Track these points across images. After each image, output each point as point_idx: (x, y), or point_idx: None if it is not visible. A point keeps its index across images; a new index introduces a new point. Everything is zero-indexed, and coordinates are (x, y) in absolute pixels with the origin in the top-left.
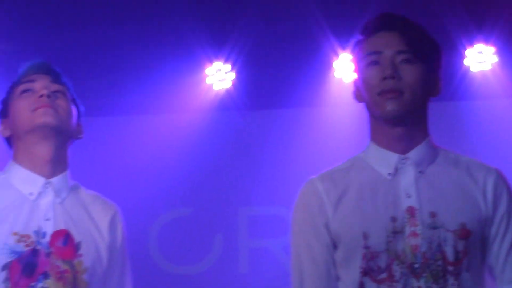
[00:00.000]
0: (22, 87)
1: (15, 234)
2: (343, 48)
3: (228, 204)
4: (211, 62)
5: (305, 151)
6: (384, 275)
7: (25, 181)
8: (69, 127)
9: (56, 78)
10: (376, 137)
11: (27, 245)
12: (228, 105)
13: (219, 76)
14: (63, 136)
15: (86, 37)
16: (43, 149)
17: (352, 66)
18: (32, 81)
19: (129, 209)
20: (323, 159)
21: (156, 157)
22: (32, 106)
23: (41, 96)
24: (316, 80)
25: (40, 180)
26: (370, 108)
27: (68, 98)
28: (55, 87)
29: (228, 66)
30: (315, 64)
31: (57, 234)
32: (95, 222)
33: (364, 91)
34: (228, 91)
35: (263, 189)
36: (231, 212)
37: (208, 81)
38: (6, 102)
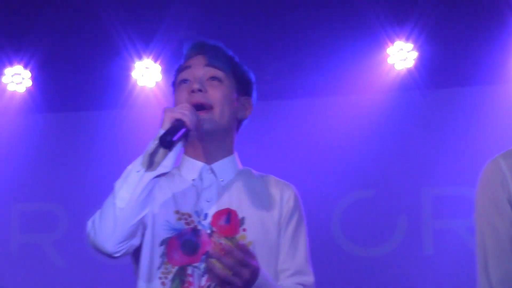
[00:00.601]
0: (180, 76)
1: (177, 212)
2: None
3: (411, 185)
4: (392, 41)
5: (489, 129)
6: None
7: (189, 168)
8: (226, 116)
9: (212, 59)
10: None
11: (187, 223)
12: (409, 85)
13: (400, 55)
14: (220, 130)
15: (268, 20)
16: (202, 144)
17: None
18: (188, 67)
19: (312, 192)
20: (509, 137)
21: (338, 138)
22: (187, 102)
23: (193, 91)
24: (501, 57)
25: (202, 166)
26: None
27: (225, 82)
28: (210, 72)
29: (410, 45)
30: (500, 40)
31: (219, 213)
32: (262, 199)
33: None
34: (409, 70)
35: (446, 169)
36: (414, 193)
37: (389, 61)
38: (174, 85)
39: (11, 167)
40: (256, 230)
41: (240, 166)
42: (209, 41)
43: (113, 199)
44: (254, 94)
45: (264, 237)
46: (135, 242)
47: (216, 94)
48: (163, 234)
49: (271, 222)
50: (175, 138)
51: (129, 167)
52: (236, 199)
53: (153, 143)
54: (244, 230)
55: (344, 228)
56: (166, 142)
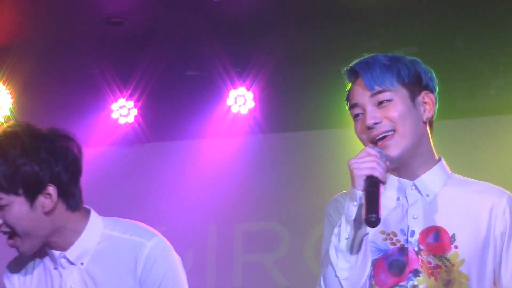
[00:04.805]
0: (351, 112)
1: (382, 232)
2: None
3: None
4: None
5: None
6: None
7: (393, 186)
8: (409, 131)
9: (371, 82)
10: None
11: (392, 243)
12: None
13: None
14: (410, 147)
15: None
16: (400, 162)
17: None
18: (355, 106)
19: None
20: None
21: None
22: (368, 138)
23: (369, 128)
24: None
25: (405, 183)
26: None
27: (395, 98)
28: (377, 99)
29: None
30: None
31: (426, 231)
32: (474, 212)
33: None
34: None
35: None
36: None
37: None
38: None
39: (233, 187)
40: (468, 247)
41: (448, 173)
42: (362, 60)
43: (334, 272)
44: (430, 82)
45: (477, 254)
46: None
47: (391, 116)
48: (370, 255)
49: (484, 237)
50: (380, 213)
51: (335, 231)
52: (445, 214)
53: (351, 204)
54: (455, 247)
55: None
56: (374, 223)
